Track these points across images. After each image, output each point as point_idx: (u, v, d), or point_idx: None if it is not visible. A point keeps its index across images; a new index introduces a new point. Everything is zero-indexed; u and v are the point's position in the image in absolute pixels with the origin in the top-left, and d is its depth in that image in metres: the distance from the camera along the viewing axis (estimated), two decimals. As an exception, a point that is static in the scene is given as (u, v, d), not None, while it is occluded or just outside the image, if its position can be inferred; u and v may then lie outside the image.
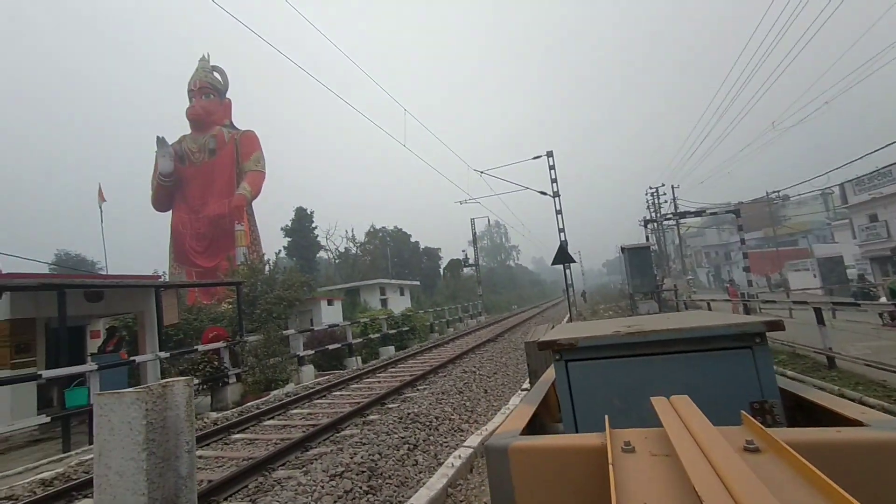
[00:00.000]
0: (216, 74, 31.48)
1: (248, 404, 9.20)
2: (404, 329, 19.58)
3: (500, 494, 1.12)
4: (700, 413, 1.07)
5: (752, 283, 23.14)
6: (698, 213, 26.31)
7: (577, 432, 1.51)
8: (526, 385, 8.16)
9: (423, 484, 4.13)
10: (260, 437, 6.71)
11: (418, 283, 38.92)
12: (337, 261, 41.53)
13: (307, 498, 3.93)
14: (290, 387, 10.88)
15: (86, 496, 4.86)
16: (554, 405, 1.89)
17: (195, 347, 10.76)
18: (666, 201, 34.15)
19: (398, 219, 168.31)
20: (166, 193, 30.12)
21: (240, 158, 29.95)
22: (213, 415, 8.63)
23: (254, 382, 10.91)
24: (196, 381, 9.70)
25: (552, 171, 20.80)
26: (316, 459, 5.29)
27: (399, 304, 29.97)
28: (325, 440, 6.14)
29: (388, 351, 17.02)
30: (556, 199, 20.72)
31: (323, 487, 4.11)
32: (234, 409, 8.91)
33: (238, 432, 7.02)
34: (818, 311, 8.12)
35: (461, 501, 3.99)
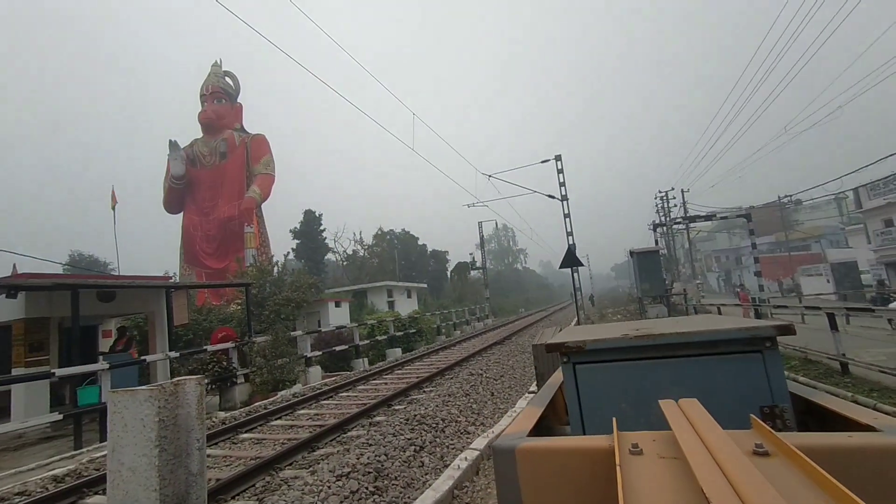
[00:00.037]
0: (228, 79, 31.95)
1: (256, 404, 9.27)
2: (411, 331, 19.59)
3: (508, 495, 1.12)
4: (709, 416, 1.06)
5: (763, 288, 22.82)
6: (709, 217, 26.04)
7: (584, 435, 1.50)
8: (533, 388, 8.12)
9: (429, 485, 4.12)
10: (267, 436, 6.76)
11: (425, 285, 38.87)
12: (345, 263, 41.67)
13: (314, 497, 3.95)
14: (297, 387, 10.94)
15: (97, 493, 4.93)
16: (561, 408, 1.89)
17: (204, 347, 10.89)
18: (676, 205, 33.87)
19: (406, 222, 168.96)
20: (177, 196, 30.54)
21: (250, 162, 30.30)
22: (222, 414, 8.71)
23: (262, 382, 10.99)
24: (205, 381, 9.80)
25: (560, 175, 20.76)
26: (323, 460, 5.32)
27: (406, 306, 29.98)
28: (331, 441, 6.17)
29: (395, 353, 17.04)
30: (565, 202, 20.65)
31: (329, 487, 4.12)
32: (242, 409, 8.98)
33: (246, 432, 7.08)
34: (831, 317, 7.95)
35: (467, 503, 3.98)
